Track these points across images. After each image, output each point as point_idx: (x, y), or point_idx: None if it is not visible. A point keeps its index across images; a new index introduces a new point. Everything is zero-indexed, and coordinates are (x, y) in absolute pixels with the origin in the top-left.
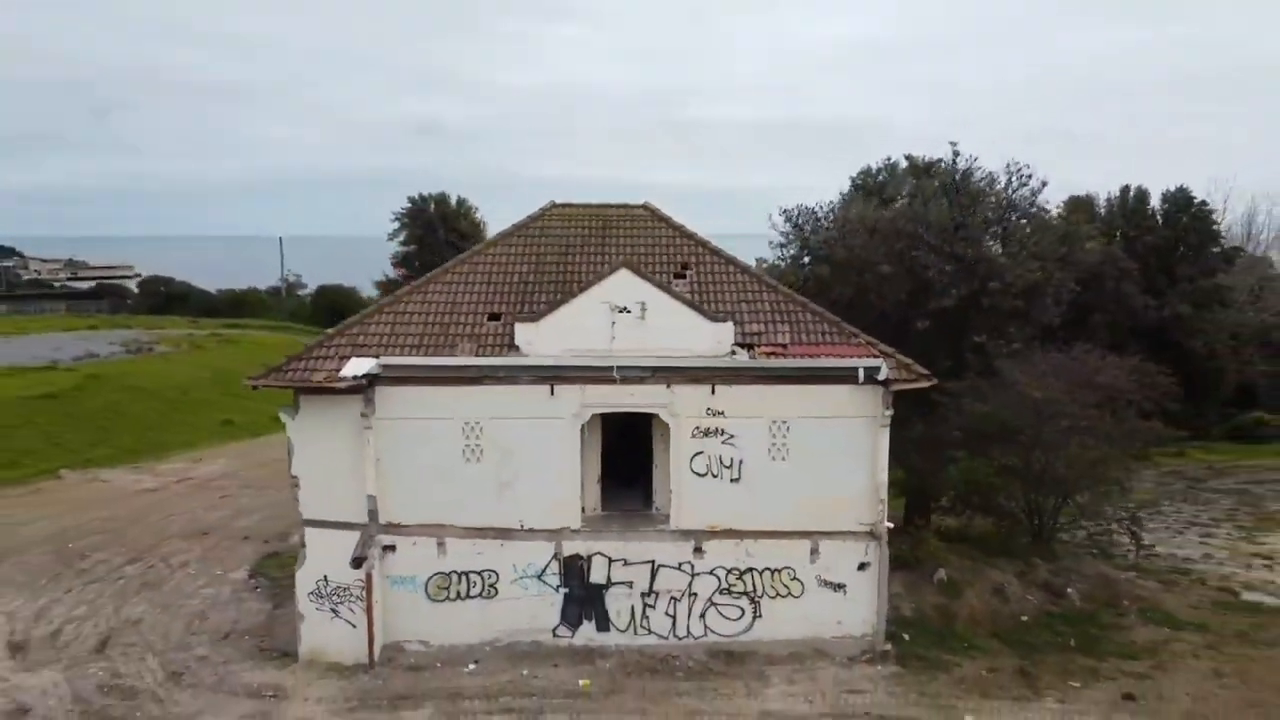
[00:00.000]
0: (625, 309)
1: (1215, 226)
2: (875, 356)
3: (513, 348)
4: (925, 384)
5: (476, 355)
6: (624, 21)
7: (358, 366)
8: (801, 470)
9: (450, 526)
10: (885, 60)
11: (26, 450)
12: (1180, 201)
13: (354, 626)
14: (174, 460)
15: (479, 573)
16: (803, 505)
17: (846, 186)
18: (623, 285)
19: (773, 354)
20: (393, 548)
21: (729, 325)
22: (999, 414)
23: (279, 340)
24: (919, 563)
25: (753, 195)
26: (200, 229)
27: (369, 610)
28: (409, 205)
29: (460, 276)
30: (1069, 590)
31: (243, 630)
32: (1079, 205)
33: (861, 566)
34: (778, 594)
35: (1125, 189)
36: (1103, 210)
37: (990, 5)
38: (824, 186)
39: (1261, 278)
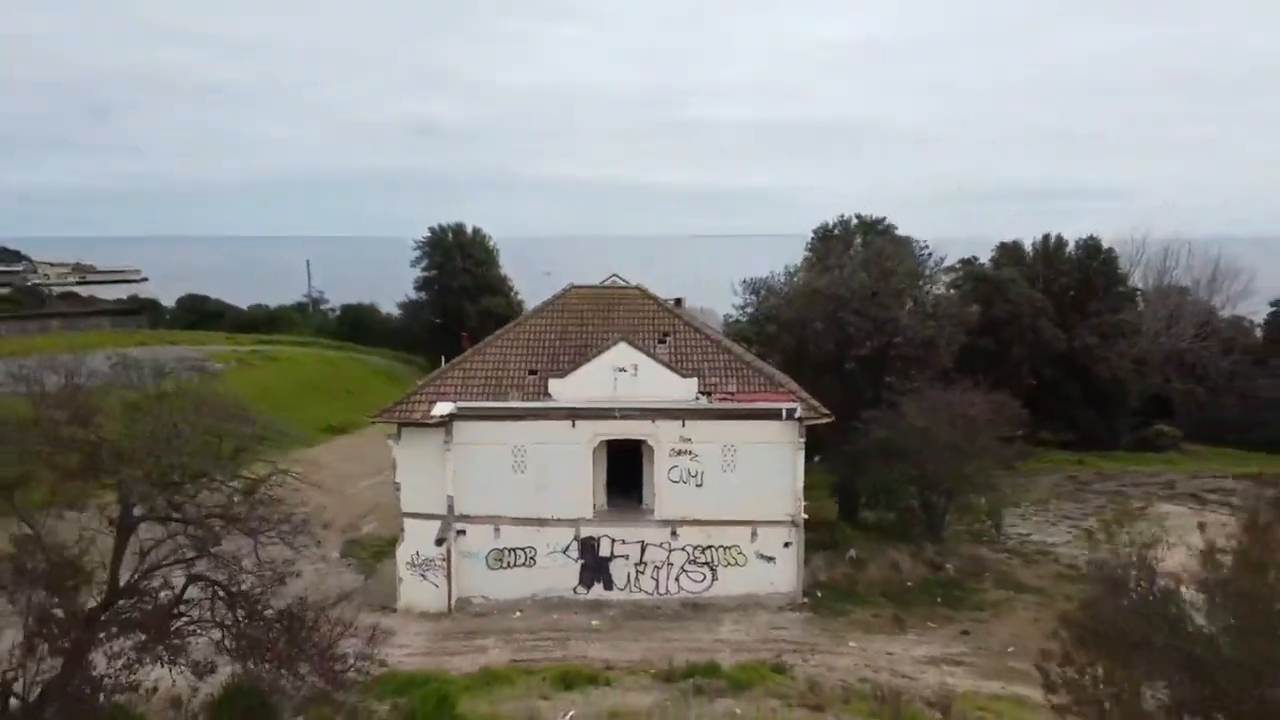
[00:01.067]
0: (623, 369)
1: (1120, 270)
2: (793, 400)
3: (546, 395)
4: (827, 419)
5: (521, 400)
6: (624, 21)
7: (442, 408)
8: (744, 479)
9: (503, 517)
10: (885, 60)
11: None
12: (1091, 249)
13: (436, 586)
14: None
15: (522, 549)
16: (745, 503)
17: (809, 241)
18: (621, 353)
19: (724, 399)
20: (463, 531)
21: (694, 380)
22: (897, 438)
23: (313, 356)
24: (837, 544)
25: (753, 194)
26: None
27: (448, 575)
28: (430, 234)
29: (508, 343)
30: (947, 565)
31: (348, 593)
32: (1007, 251)
33: (786, 545)
34: (728, 564)
35: (1046, 237)
36: (1029, 254)
37: (990, 5)
38: (822, 186)
39: (1174, 309)
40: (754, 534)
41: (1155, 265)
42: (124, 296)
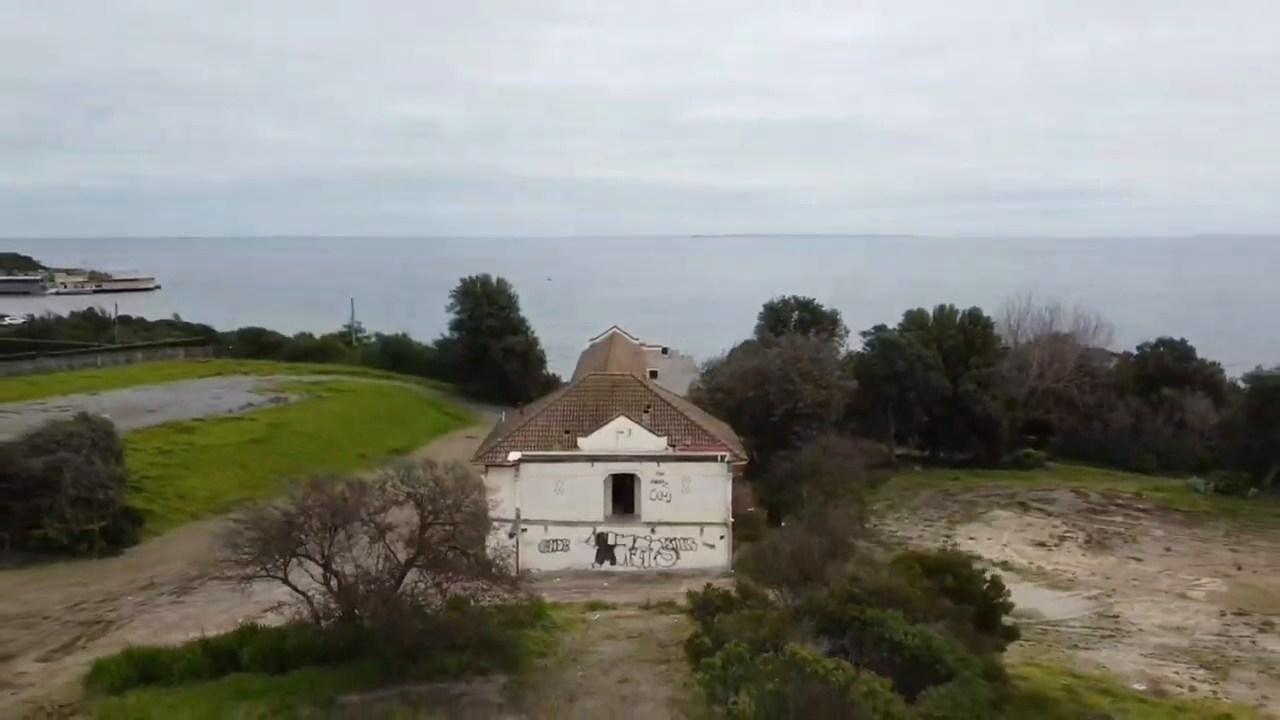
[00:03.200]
0: (621, 431)
1: (995, 333)
2: (724, 450)
3: (575, 446)
4: (744, 462)
5: (560, 450)
6: (621, 23)
7: (513, 455)
8: (695, 497)
9: (549, 520)
10: (882, 60)
11: (262, 478)
12: (974, 317)
13: (509, 562)
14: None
15: (561, 539)
16: (695, 512)
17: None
18: (620, 422)
19: (683, 449)
20: (525, 529)
21: (664, 438)
22: (797, 469)
23: (369, 387)
24: (759, 539)
25: (751, 194)
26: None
27: (516, 555)
28: (462, 284)
29: (550, 413)
30: None
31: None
32: (914, 318)
33: (721, 537)
34: (686, 549)
35: (941, 306)
36: (930, 319)
37: (989, 5)
38: (821, 187)
39: (1054, 353)
40: (701, 530)
41: (1039, 318)
42: (136, 308)
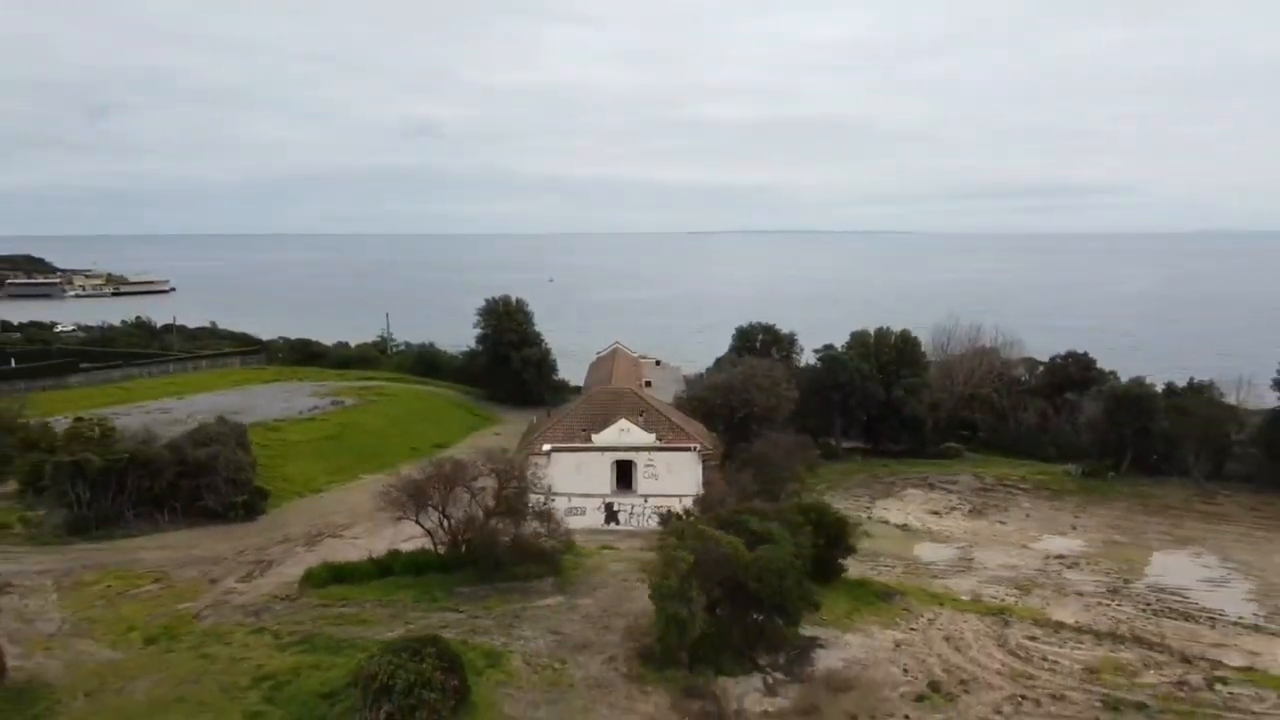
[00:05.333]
0: (623, 430)
1: (923, 349)
2: (697, 443)
3: (590, 440)
4: (714, 451)
5: (580, 443)
6: (621, 22)
7: (545, 447)
8: (675, 477)
9: (573, 493)
10: (883, 59)
11: (341, 467)
12: (906, 337)
13: None
14: (400, 468)
15: (580, 507)
16: (675, 487)
17: (733, 343)
18: (622, 424)
19: (667, 443)
20: (554, 499)
21: (654, 435)
22: (751, 458)
23: (409, 391)
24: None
25: (752, 191)
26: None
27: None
28: (485, 304)
29: (572, 416)
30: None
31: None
32: (857, 337)
33: (694, 501)
34: (668, 513)
35: (880, 329)
36: (871, 339)
37: (988, 4)
38: (822, 184)
39: (977, 364)
40: (680, 500)
41: (966, 335)
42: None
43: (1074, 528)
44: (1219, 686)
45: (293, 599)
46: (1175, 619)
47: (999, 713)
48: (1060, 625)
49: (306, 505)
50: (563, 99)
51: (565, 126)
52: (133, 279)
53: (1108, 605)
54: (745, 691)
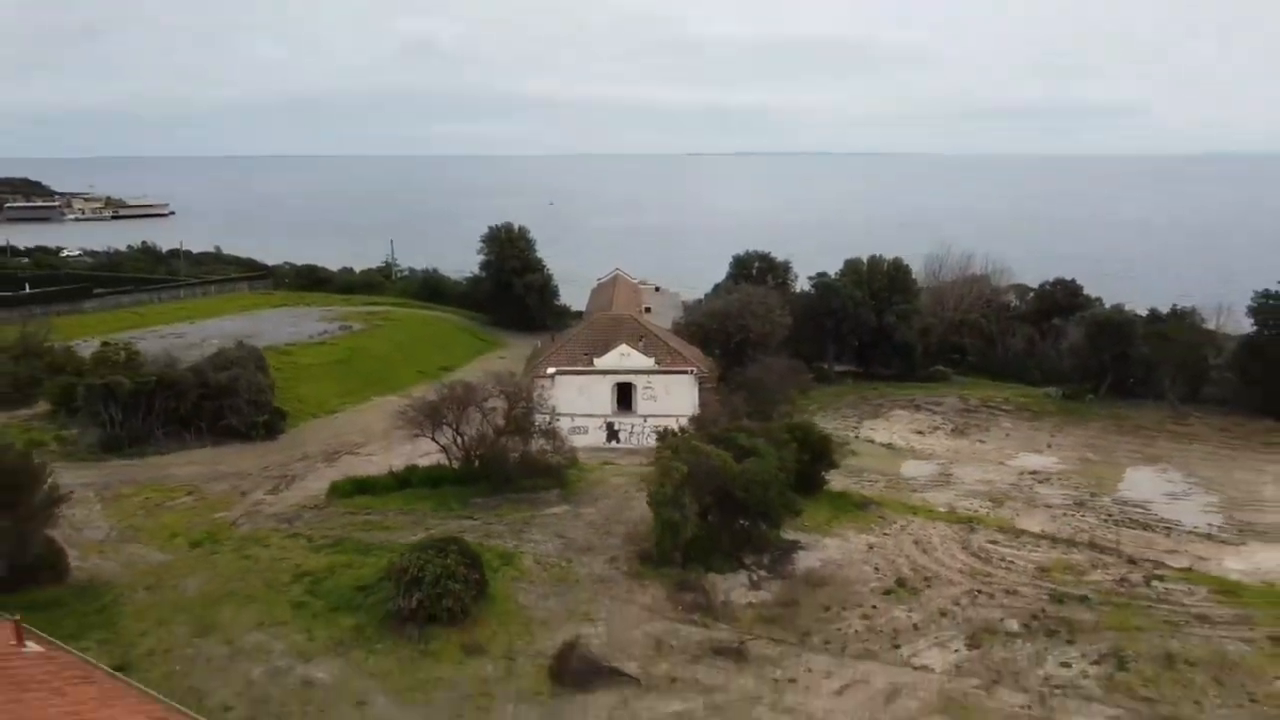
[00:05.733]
0: (623, 354)
1: (914, 277)
2: (693, 367)
3: (592, 364)
4: (710, 374)
5: (582, 367)
6: None
7: (549, 370)
8: (673, 398)
9: (576, 414)
10: None
11: (352, 389)
12: (897, 265)
13: None
14: (409, 390)
15: (583, 426)
16: (672, 407)
17: (729, 271)
18: (622, 349)
19: (665, 367)
20: (559, 418)
21: (653, 359)
22: (746, 381)
23: (415, 317)
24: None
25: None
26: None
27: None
28: (489, 231)
29: (574, 341)
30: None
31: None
32: (850, 265)
33: (690, 421)
34: (673, 416)
35: (873, 257)
36: (864, 266)
37: None
38: (824, 106)
39: (967, 290)
40: (676, 420)
41: (958, 263)
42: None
43: (1049, 446)
44: (1155, 583)
45: (321, 508)
46: (1134, 529)
47: (956, 604)
48: (1022, 532)
49: (322, 425)
50: (563, 16)
51: (564, 44)
52: (131, 202)
53: (1073, 516)
54: (732, 586)
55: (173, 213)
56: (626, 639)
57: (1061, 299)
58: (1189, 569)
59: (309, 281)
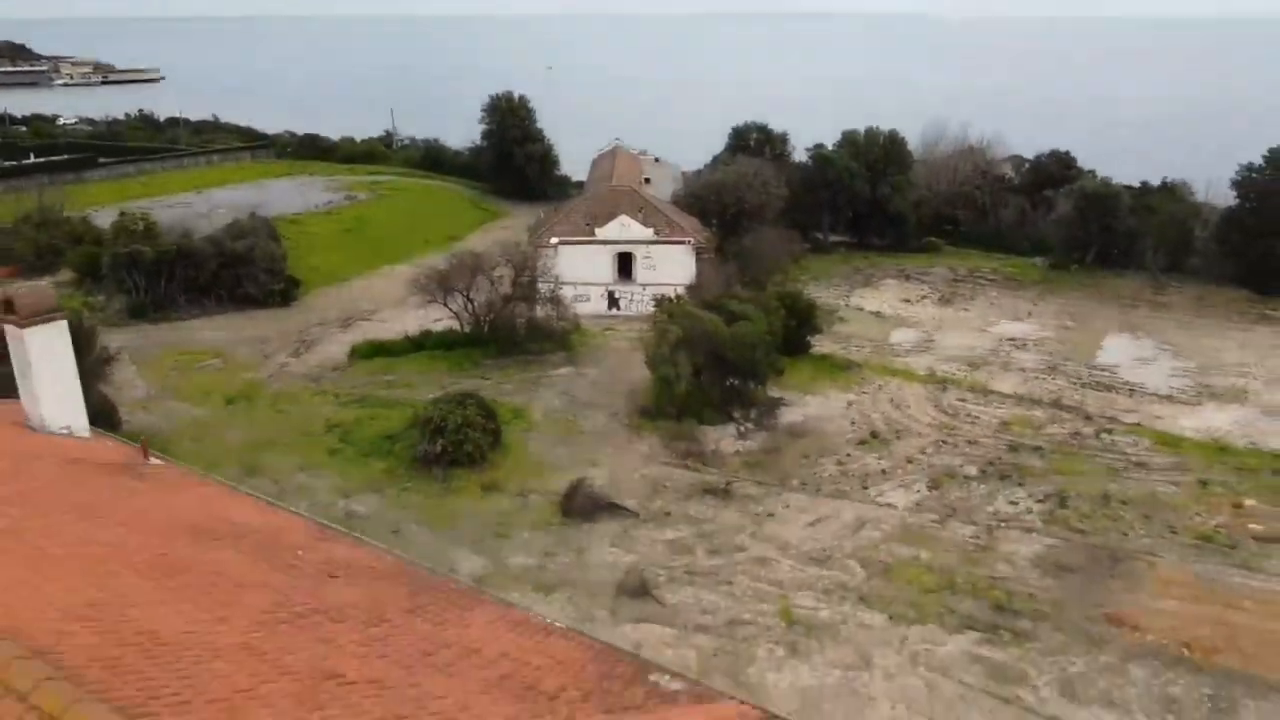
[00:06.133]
0: (624, 225)
1: (910, 148)
2: (691, 237)
3: (594, 234)
4: (706, 245)
5: (584, 236)
6: None
7: (552, 239)
8: (672, 267)
9: (578, 282)
10: None
11: (361, 258)
12: (893, 137)
13: None
14: (416, 259)
15: (585, 294)
16: (670, 276)
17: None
18: (623, 219)
19: (663, 237)
20: (562, 286)
21: (652, 229)
22: (744, 251)
23: (419, 186)
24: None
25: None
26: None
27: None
28: (489, 100)
29: (576, 211)
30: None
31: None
32: (848, 136)
33: (686, 288)
34: (663, 300)
35: (869, 129)
36: (861, 139)
37: None
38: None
39: (961, 162)
40: (674, 289)
41: (955, 136)
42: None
43: (1029, 315)
44: (1104, 435)
45: (343, 369)
46: (1100, 390)
47: (922, 453)
48: (990, 392)
49: (334, 293)
50: None
51: None
52: (121, 67)
53: (1044, 379)
54: (721, 437)
55: (163, 78)
56: (626, 480)
57: (1055, 171)
58: (1138, 424)
59: (311, 151)
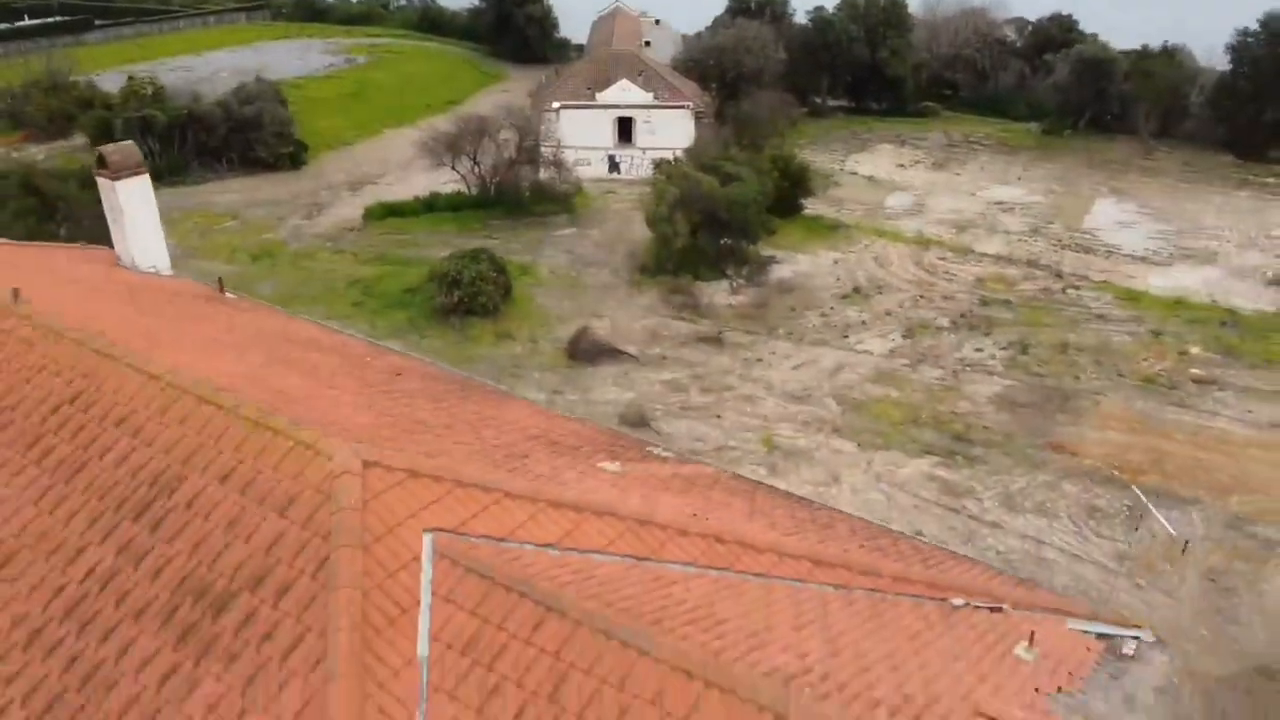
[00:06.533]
0: (624, 89)
1: (908, 10)
2: (690, 101)
3: (594, 99)
4: (705, 109)
5: (584, 101)
6: None
7: (554, 103)
8: (671, 131)
9: (578, 146)
10: None
11: (364, 122)
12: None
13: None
14: (418, 123)
15: (586, 158)
16: (670, 140)
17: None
18: (623, 84)
19: (662, 101)
20: (564, 151)
21: (651, 94)
22: (742, 115)
23: (419, 50)
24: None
25: None
26: None
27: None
28: None
29: (576, 75)
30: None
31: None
32: (846, 2)
33: (685, 151)
34: (670, 148)
35: None
36: (861, 2)
37: None
38: None
39: (961, 25)
40: (673, 153)
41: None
42: None
43: (1019, 179)
44: (1071, 291)
45: (358, 230)
46: (1078, 252)
47: (900, 307)
48: (970, 251)
49: (340, 157)
50: None
51: None
52: None
53: (1026, 241)
54: (715, 291)
55: None
56: (627, 330)
57: (1056, 34)
58: (1105, 282)
59: (307, 13)
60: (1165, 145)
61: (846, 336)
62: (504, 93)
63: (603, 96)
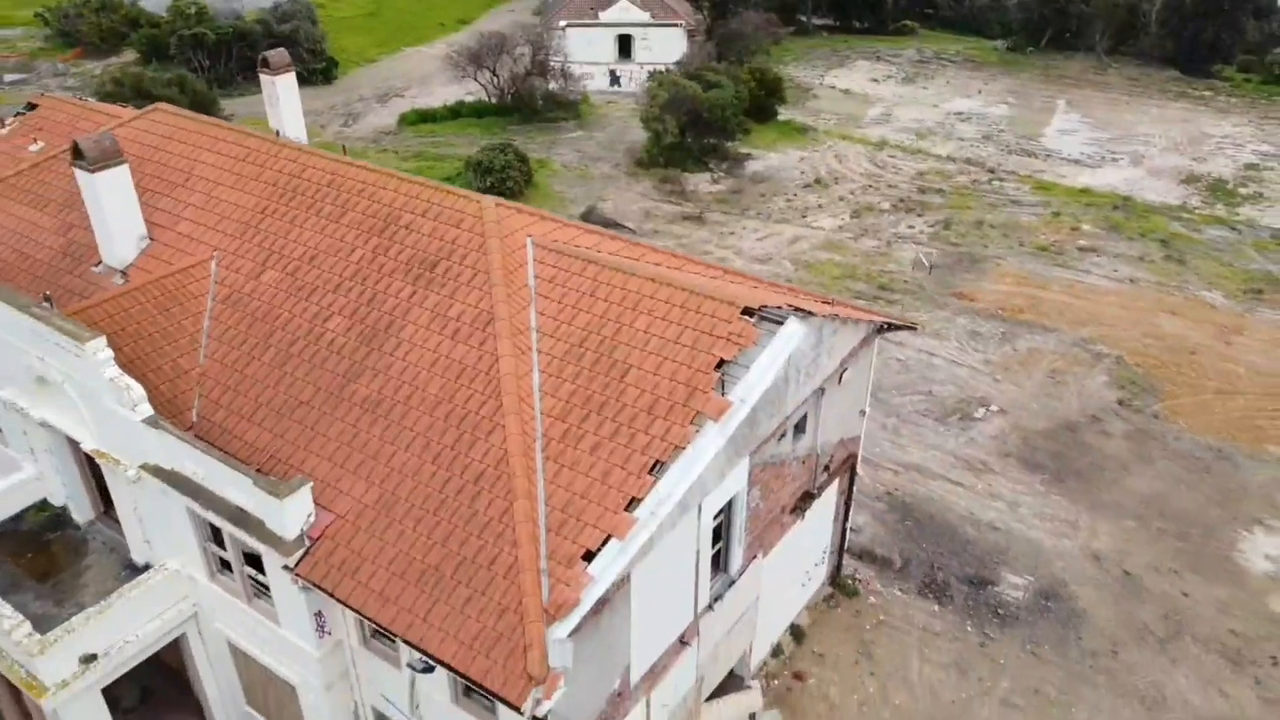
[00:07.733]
0: (624, 9)
1: None
2: (683, 20)
3: (597, 18)
4: (696, 27)
5: (589, 20)
6: None
7: (561, 23)
8: (664, 46)
9: (582, 61)
10: None
11: (384, 40)
12: None
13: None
14: (433, 41)
15: (589, 72)
16: (664, 52)
17: None
18: (623, 4)
19: (659, 19)
20: (570, 64)
21: (648, 13)
22: (729, 32)
23: None
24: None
25: None
26: None
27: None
28: None
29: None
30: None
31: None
32: None
33: (676, 64)
34: (664, 63)
35: None
36: None
37: None
38: None
39: None
40: (666, 67)
41: None
42: None
43: (979, 92)
44: (995, 183)
45: (395, 133)
46: (1019, 155)
47: (851, 194)
48: (918, 151)
49: (366, 73)
50: None
51: None
52: None
53: (976, 146)
54: (699, 181)
55: None
56: (627, 209)
57: None
58: (1029, 176)
59: None
60: (1117, 63)
61: (805, 216)
62: (511, 12)
63: (605, 15)
